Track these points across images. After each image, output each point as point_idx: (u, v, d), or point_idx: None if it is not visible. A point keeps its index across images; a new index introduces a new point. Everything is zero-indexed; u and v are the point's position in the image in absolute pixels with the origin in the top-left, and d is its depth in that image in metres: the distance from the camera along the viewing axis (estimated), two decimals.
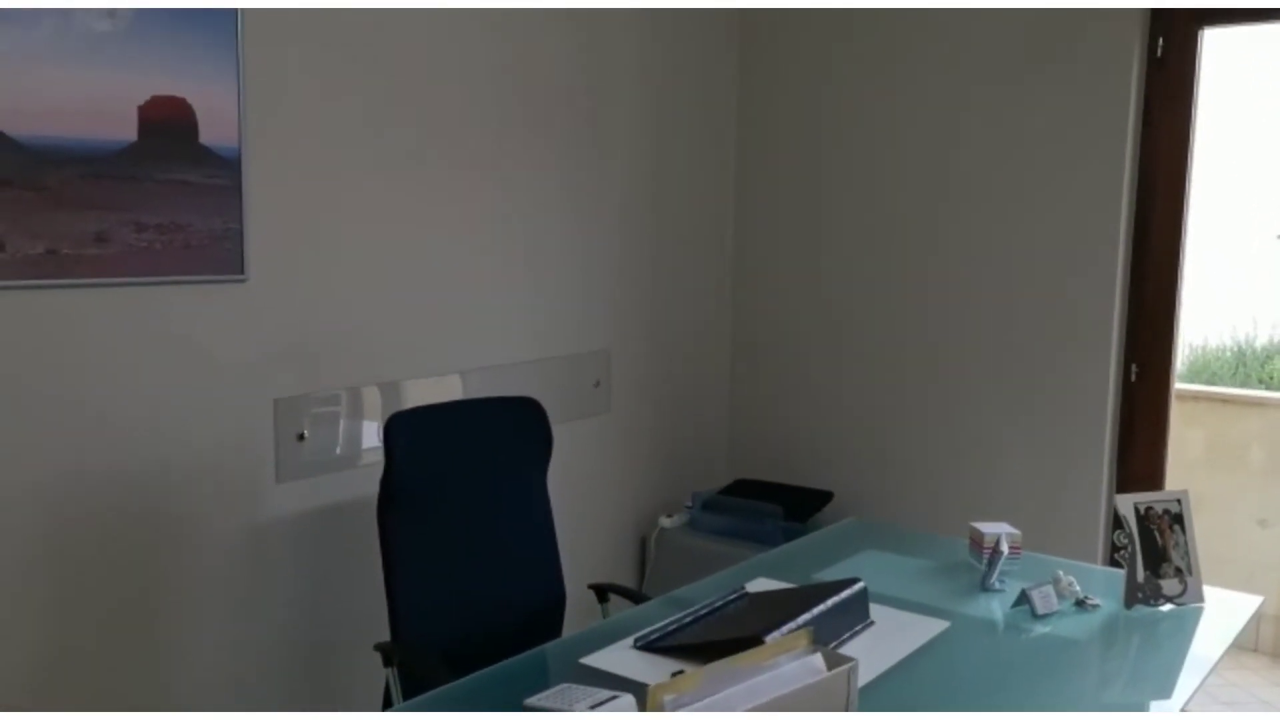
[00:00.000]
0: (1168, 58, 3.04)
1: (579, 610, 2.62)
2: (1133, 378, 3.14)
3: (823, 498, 3.49)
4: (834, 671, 1.53)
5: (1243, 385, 5.11)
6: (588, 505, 3.37)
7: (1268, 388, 5.19)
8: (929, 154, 3.39)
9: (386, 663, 2.25)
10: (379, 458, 2.69)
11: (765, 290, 3.79)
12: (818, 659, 1.56)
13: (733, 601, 2.26)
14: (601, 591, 2.61)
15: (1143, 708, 1.99)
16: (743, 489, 3.62)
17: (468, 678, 1.95)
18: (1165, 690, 2.03)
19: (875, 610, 2.23)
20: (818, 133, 3.61)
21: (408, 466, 2.31)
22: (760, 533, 3.34)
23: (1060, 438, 3.19)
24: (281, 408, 2.56)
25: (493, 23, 2.92)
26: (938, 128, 3.37)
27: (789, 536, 3.18)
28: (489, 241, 2.99)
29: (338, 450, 2.70)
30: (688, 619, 2.15)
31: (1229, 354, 5.54)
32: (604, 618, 2.53)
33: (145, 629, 2.36)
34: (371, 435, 2.76)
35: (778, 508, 3.39)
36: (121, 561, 2.31)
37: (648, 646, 2.04)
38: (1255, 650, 3.91)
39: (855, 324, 3.59)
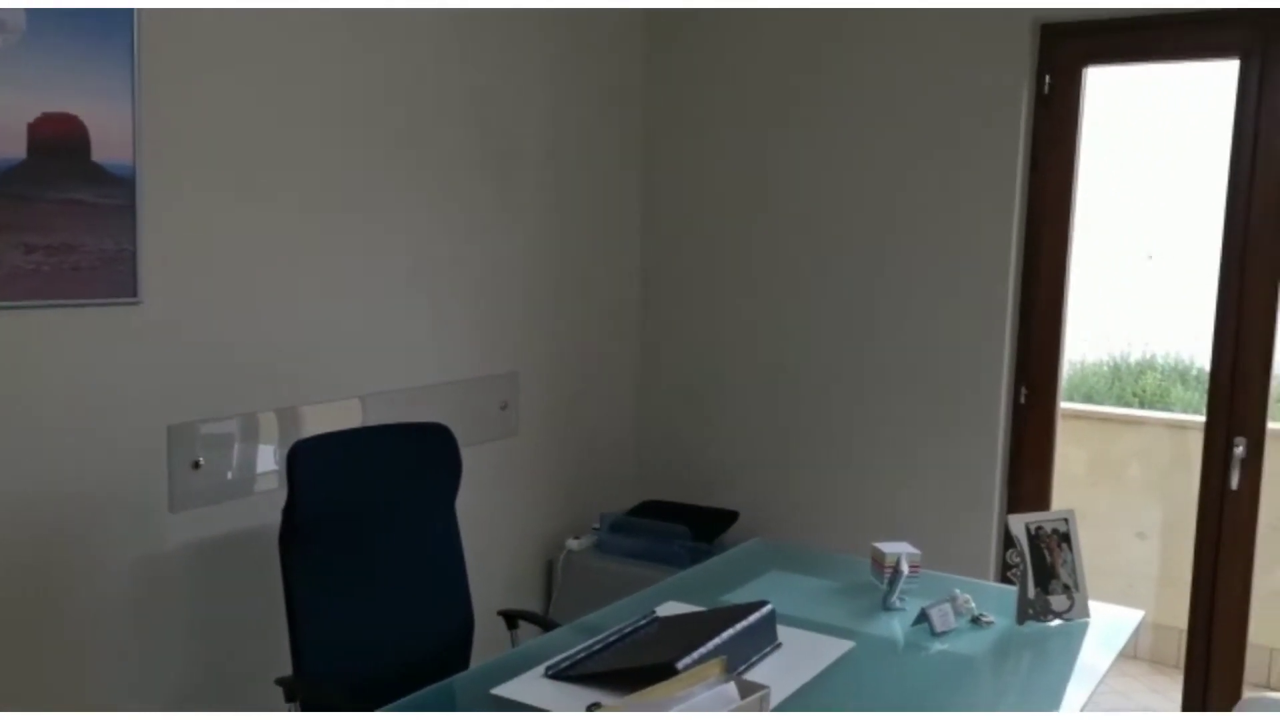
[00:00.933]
0: (1054, 95, 3.18)
1: (487, 637, 2.60)
2: (1022, 400, 3.27)
3: (728, 518, 3.53)
4: (747, 699, 1.56)
5: (1118, 399, 5.35)
6: (494, 529, 3.34)
7: (1141, 402, 5.44)
8: (830, 183, 3.47)
9: (289, 698, 2.19)
10: (277, 485, 2.63)
11: (672, 312, 3.83)
12: (731, 688, 1.59)
13: (643, 627, 2.27)
14: (511, 618, 2.59)
15: None
16: (650, 510, 3.64)
17: (375, 713, 1.91)
18: (1054, 702, 2.11)
19: (782, 632, 2.27)
20: (726, 155, 3.67)
21: (311, 496, 2.26)
22: (667, 554, 3.36)
23: (957, 459, 3.30)
24: (175, 434, 2.48)
25: (392, 38, 2.89)
26: (838, 161, 3.46)
27: (696, 557, 3.21)
28: (390, 263, 2.96)
29: (234, 478, 2.63)
30: (598, 646, 2.15)
31: (1106, 369, 5.80)
32: (513, 645, 2.52)
33: (33, 666, 2.26)
34: (269, 462, 2.69)
35: (685, 529, 3.42)
36: (7, 596, 2.21)
37: (559, 675, 2.04)
38: (1135, 657, 4.09)
39: (759, 346, 3.65)
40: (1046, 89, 3.19)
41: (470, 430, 3.06)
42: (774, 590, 2.56)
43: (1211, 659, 3.07)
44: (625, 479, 3.89)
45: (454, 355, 3.17)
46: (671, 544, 3.39)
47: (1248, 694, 3.06)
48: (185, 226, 2.46)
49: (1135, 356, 6.06)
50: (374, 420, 2.85)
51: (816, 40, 3.45)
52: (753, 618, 2.19)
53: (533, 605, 3.53)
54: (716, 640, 2.04)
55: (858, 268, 3.45)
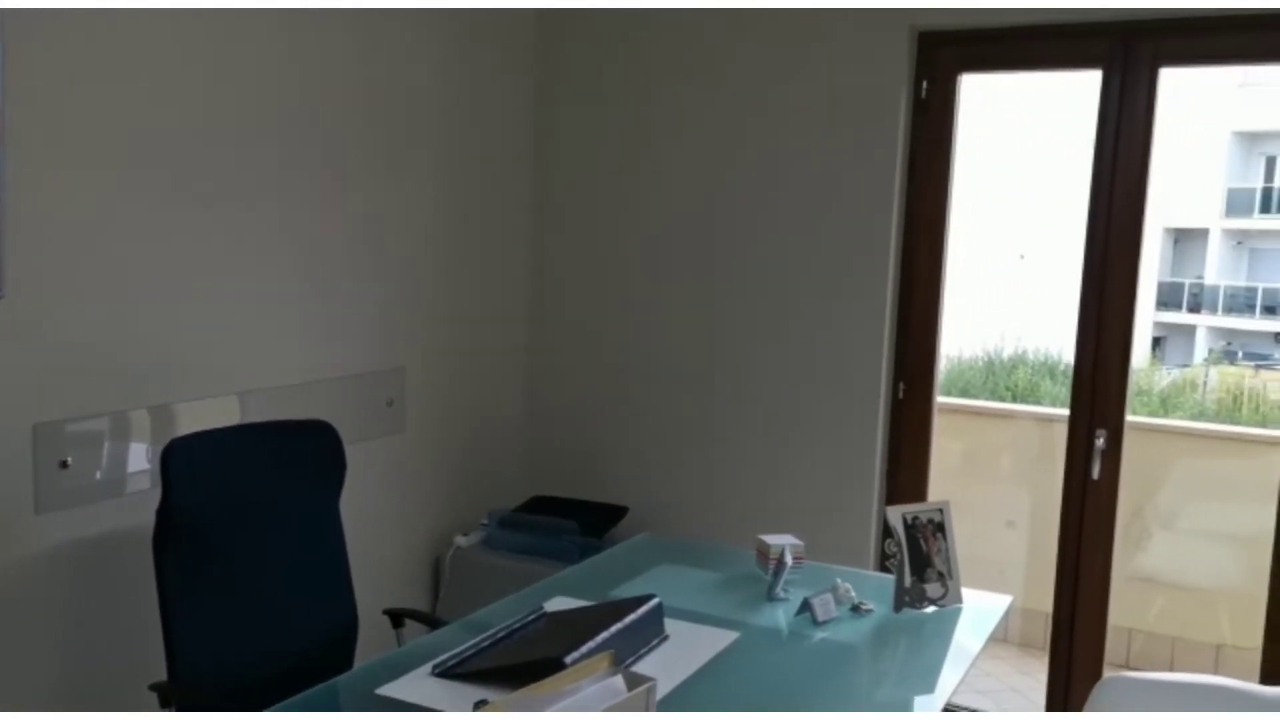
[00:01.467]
0: (931, 100, 3.29)
1: (373, 637, 2.56)
2: (900, 395, 3.38)
3: (618, 513, 3.56)
4: (634, 692, 1.58)
5: (992, 393, 5.58)
6: (380, 527, 3.29)
7: (1014, 396, 5.69)
8: (717, 182, 3.52)
9: (163, 704, 2.13)
10: (150, 485, 2.54)
11: (562, 307, 3.83)
12: (618, 680, 1.60)
13: (531, 622, 2.27)
14: (396, 617, 2.56)
15: (908, 703, 2.15)
16: (540, 506, 3.63)
17: (255, 714, 1.87)
18: (929, 685, 2.20)
19: (669, 624, 2.29)
20: (617, 152, 3.69)
21: (187, 496, 2.19)
22: (557, 550, 3.36)
23: (838, 453, 3.39)
24: (41, 433, 2.38)
25: (275, 27, 2.82)
26: (724, 161, 3.51)
27: (585, 552, 3.22)
28: (270, 255, 2.88)
29: (104, 478, 2.53)
30: (486, 642, 2.14)
31: (980, 365, 6.04)
32: (399, 645, 2.49)
33: None
34: (141, 461, 2.60)
35: (574, 524, 3.43)
36: None
37: (446, 673, 2.03)
38: (1005, 640, 4.27)
39: (649, 342, 3.68)
40: (924, 94, 3.29)
41: (355, 427, 3.01)
42: (661, 584, 2.59)
43: (1075, 641, 3.23)
44: (515, 475, 3.87)
45: (338, 350, 3.11)
46: (560, 539, 3.40)
47: (1108, 674, 3.22)
48: (53, 219, 2.35)
49: (1008, 352, 6.33)
50: (253, 418, 2.78)
51: (706, 41, 3.50)
52: (640, 611, 2.21)
53: (421, 604, 3.49)
54: (604, 634, 2.06)
55: (743, 265, 3.50)
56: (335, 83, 3.01)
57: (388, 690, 1.96)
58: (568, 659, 1.91)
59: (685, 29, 3.52)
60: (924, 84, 3.30)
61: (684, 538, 3.28)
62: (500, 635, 2.18)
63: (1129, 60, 3.05)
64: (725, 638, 2.30)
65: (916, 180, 3.32)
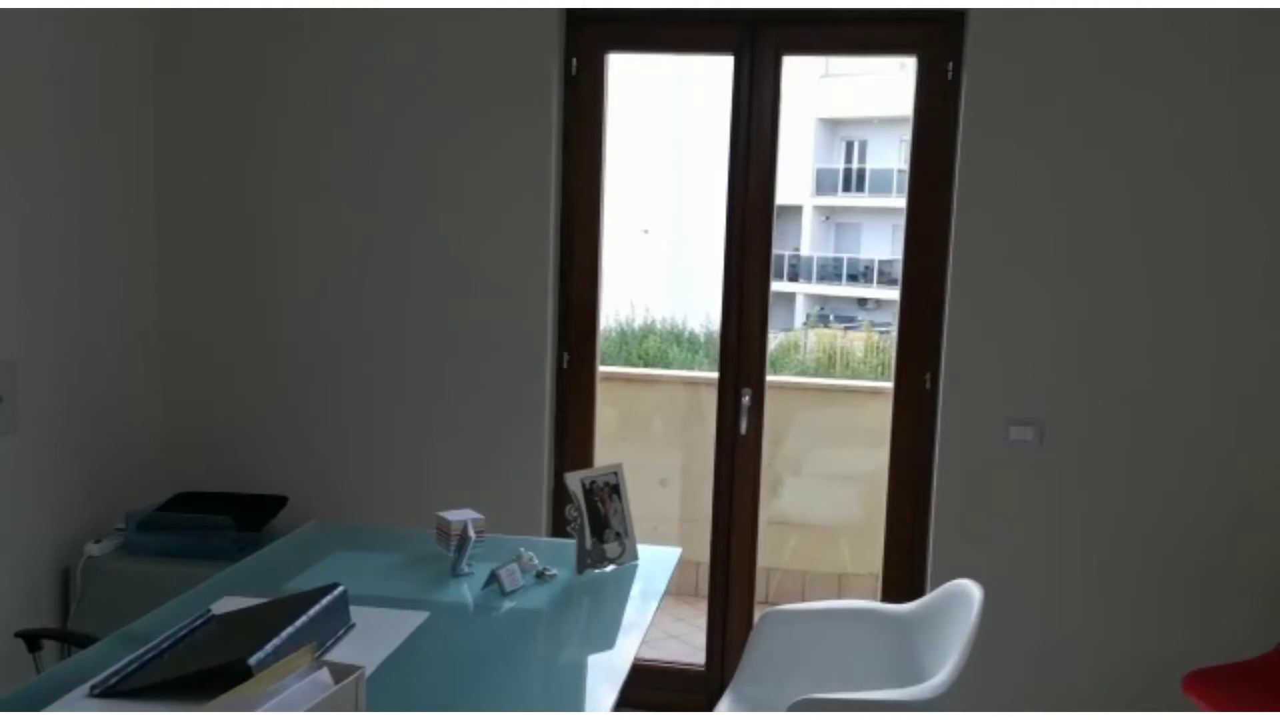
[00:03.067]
0: (582, 77, 3.38)
1: (5, 664, 2.24)
2: (565, 366, 3.47)
3: (276, 503, 3.35)
4: (342, 684, 1.51)
5: (626, 361, 5.88)
6: None
7: (645, 363, 6.03)
8: (367, 162, 3.40)
9: None
10: None
11: (195, 290, 3.53)
12: (324, 674, 1.53)
13: (200, 627, 2.09)
14: (32, 639, 2.25)
15: (592, 661, 2.23)
16: (186, 503, 3.34)
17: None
18: (610, 641, 2.30)
19: (355, 612, 2.21)
20: (252, 133, 3.45)
21: None
22: (211, 548, 3.11)
23: (509, 426, 3.42)
24: None
25: None
26: (373, 142, 3.39)
27: (245, 548, 3.01)
28: None
29: None
30: (150, 654, 1.95)
31: (614, 335, 6.33)
32: (38, 671, 2.20)
33: None
34: None
35: (227, 519, 3.19)
36: None
37: (108, 693, 1.82)
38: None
39: (297, 323, 3.50)
40: (574, 71, 3.38)
41: None
42: (341, 572, 2.49)
43: (730, 585, 3.50)
44: (153, 472, 3.53)
45: None
46: (214, 536, 3.15)
47: (759, 610, 3.52)
48: None
49: (638, 322, 6.69)
50: None
51: (346, 26, 3.36)
52: (323, 601, 2.11)
53: (54, 621, 3.10)
54: (289, 629, 1.94)
55: (400, 244, 3.42)
56: None
57: None
58: (252, 661, 1.79)
59: (324, 15, 3.35)
60: (573, 61, 3.37)
61: (357, 523, 3.16)
62: (165, 645, 1.99)
63: (756, 47, 3.31)
64: (415, 618, 2.26)
65: (572, 155, 3.40)
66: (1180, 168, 3.03)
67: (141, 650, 1.95)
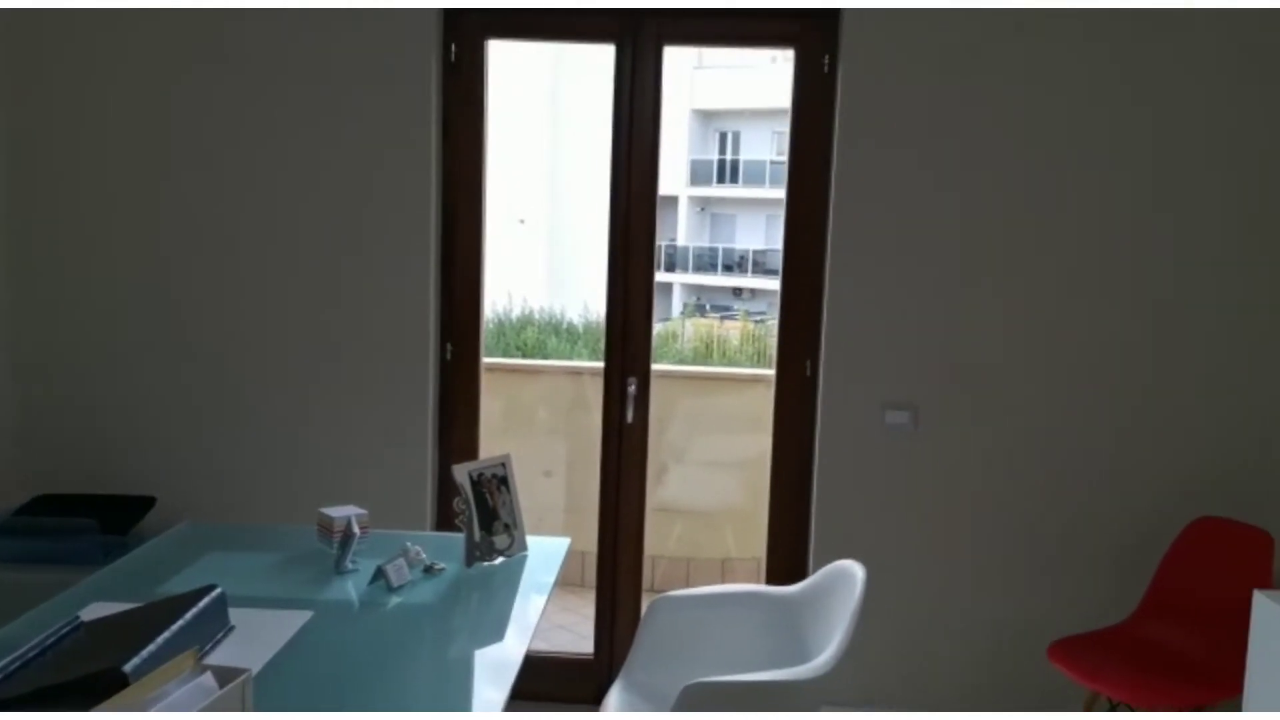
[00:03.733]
0: (461, 64, 3.33)
1: None
2: (448, 357, 3.41)
3: (144, 504, 3.21)
4: (228, 687, 1.45)
5: (504, 352, 5.84)
6: None
7: (523, 354, 6.00)
8: (240, 150, 3.28)
9: None
10: None
11: (51, 286, 3.35)
12: (208, 679, 1.47)
13: (67, 635, 1.99)
14: None
15: (481, 655, 2.20)
16: (46, 506, 3.16)
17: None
18: (500, 634, 2.28)
19: (234, 614, 2.13)
20: (112, 116, 3.29)
21: None
22: (75, 552, 2.96)
23: (392, 419, 3.35)
24: None
25: None
26: (249, 121, 3.28)
27: (111, 552, 2.87)
28: None
29: None
30: (15, 665, 1.84)
31: (493, 326, 6.28)
32: None
33: None
34: None
35: (91, 521, 3.03)
36: None
37: None
38: None
39: (164, 317, 3.35)
40: (453, 58, 3.32)
41: None
42: (218, 573, 2.40)
43: (617, 573, 3.51)
44: (8, 476, 3.33)
45: None
46: (78, 540, 2.99)
47: (647, 598, 3.54)
48: None
49: (516, 313, 6.65)
50: None
51: (218, 22, 3.23)
52: (200, 604, 2.03)
53: None
54: (165, 635, 1.86)
55: (274, 234, 3.31)
56: None
57: None
58: (127, 668, 1.71)
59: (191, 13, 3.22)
60: (452, 47, 3.32)
61: (234, 523, 3.05)
62: (31, 655, 1.88)
63: (638, 37, 3.32)
64: (298, 618, 2.20)
65: (452, 142, 3.35)
66: (1047, 161, 3.17)
67: (7, 660, 1.85)
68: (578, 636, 3.89)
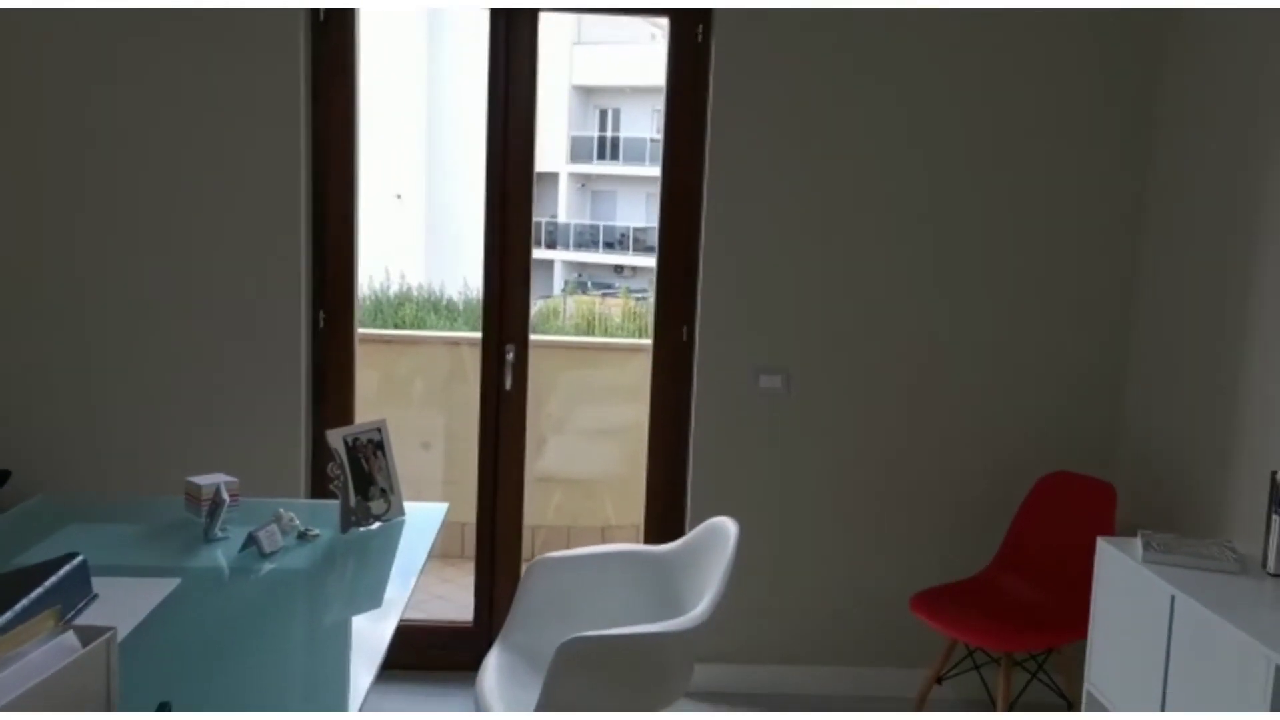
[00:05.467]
0: (330, 23, 3.26)
1: None
2: (321, 325, 3.35)
3: None
4: (92, 645, 1.42)
5: (382, 329, 5.75)
6: None
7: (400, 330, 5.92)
8: (102, 110, 3.15)
9: None
10: None
11: None
12: (70, 637, 1.43)
13: None
14: None
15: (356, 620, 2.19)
16: None
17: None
18: (377, 598, 2.26)
19: (98, 583, 2.06)
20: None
21: None
22: None
23: (263, 387, 3.27)
24: None
25: None
26: (108, 85, 3.14)
27: None
28: None
29: None
30: None
31: (370, 303, 6.18)
32: None
33: None
34: None
35: None
36: None
37: None
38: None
39: (15, 286, 3.20)
40: (322, 17, 3.25)
41: None
42: (79, 544, 2.32)
43: (496, 541, 3.52)
44: None
45: None
46: None
47: (533, 560, 3.56)
48: None
49: (394, 289, 6.56)
50: None
51: None
52: (61, 572, 1.96)
53: None
54: (23, 602, 1.79)
55: (137, 202, 3.19)
56: None
57: None
58: None
59: None
60: (320, 10, 3.24)
61: (95, 494, 2.94)
62: None
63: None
64: (165, 585, 2.15)
65: (322, 106, 3.27)
66: (913, 137, 3.29)
67: None
68: (457, 606, 3.88)
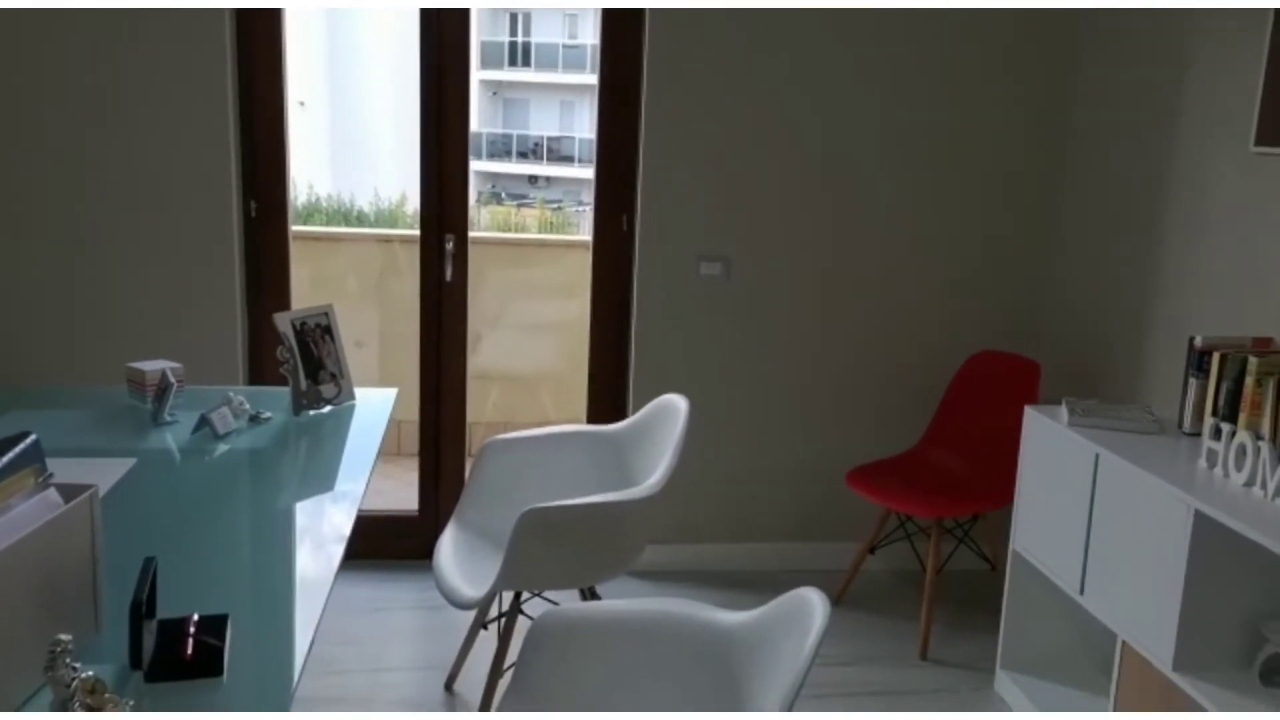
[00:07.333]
0: None
1: None
2: (253, 214, 3.28)
3: None
4: (76, 501, 1.42)
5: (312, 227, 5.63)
6: None
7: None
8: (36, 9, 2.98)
9: None
10: None
11: None
12: (53, 494, 1.43)
13: None
14: None
15: (314, 499, 2.19)
16: None
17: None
18: (329, 482, 2.27)
19: (52, 463, 2.02)
20: None
21: None
22: None
23: (195, 276, 3.20)
24: None
25: None
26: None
27: None
28: None
29: None
30: None
31: None
32: None
33: None
34: None
35: None
36: None
37: None
38: None
39: None
40: None
41: None
42: (25, 428, 2.26)
43: (441, 440, 3.53)
44: None
45: None
46: None
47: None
48: None
49: (302, 200, 6.41)
50: None
51: None
52: (14, 451, 1.92)
53: None
54: (5, 458, 1.77)
55: (67, 91, 3.05)
56: None
57: None
58: None
59: None
60: None
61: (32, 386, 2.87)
62: None
63: None
64: (121, 465, 2.13)
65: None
66: (847, 24, 3.31)
67: None
68: (399, 499, 3.90)
